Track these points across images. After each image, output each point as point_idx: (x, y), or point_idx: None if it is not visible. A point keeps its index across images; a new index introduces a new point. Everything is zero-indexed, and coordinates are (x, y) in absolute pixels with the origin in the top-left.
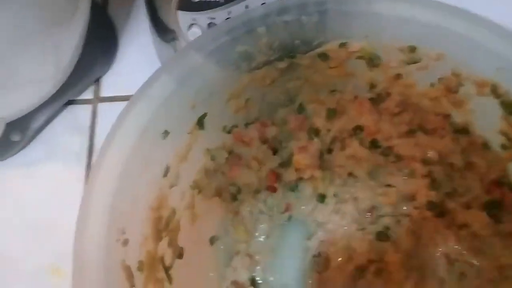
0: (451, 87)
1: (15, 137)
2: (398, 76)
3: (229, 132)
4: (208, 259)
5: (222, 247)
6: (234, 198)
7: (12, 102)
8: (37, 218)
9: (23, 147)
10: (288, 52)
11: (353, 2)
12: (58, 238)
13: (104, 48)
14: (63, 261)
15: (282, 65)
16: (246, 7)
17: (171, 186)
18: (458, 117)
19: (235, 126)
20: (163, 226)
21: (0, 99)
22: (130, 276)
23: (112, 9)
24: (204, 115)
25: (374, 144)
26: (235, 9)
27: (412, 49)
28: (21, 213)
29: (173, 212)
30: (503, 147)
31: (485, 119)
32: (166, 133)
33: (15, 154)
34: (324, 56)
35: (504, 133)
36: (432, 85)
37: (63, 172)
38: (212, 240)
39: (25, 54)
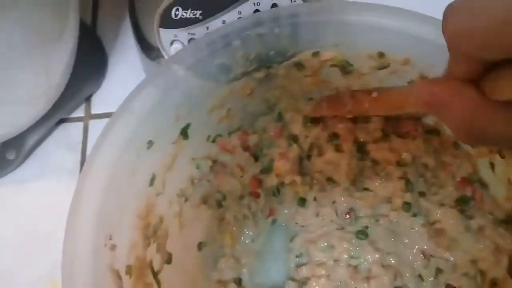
0: None
1: (10, 156)
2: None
3: (213, 141)
4: (196, 264)
5: (209, 251)
6: (219, 205)
7: (6, 121)
8: (33, 232)
9: (18, 165)
10: (265, 63)
11: (323, 12)
12: (54, 251)
13: (94, 67)
14: (59, 274)
15: (259, 75)
16: (223, 22)
17: (158, 195)
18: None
19: (219, 135)
20: (151, 233)
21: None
22: (118, 279)
23: (101, 28)
24: (188, 126)
25: (350, 150)
26: (213, 24)
27: (381, 55)
28: (17, 228)
29: (161, 220)
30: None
31: None
32: (150, 143)
33: (11, 172)
34: (299, 65)
35: None
36: None
37: (57, 188)
38: (200, 246)
39: (17, 74)
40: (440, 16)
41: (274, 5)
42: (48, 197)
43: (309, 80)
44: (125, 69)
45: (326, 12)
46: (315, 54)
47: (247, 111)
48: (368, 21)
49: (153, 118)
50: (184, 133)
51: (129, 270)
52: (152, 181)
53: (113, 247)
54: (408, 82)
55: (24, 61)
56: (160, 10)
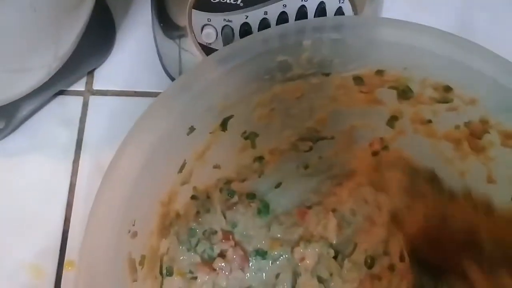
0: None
1: (0, 124)
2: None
3: (246, 138)
4: None
5: None
6: None
7: (2, 88)
8: (17, 212)
9: (6, 135)
10: (324, 70)
11: (396, 34)
12: (39, 235)
13: (101, 40)
14: (44, 260)
15: (315, 80)
16: (265, 13)
17: (183, 184)
18: None
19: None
20: (169, 223)
21: None
22: (133, 270)
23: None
24: (230, 117)
25: None
26: (253, 14)
27: (447, 89)
28: (0, 205)
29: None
30: None
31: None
32: (191, 129)
33: None
34: (358, 79)
35: None
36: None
37: (48, 165)
38: None
39: (28, 40)
40: None
41: (339, 9)
42: (37, 173)
43: (363, 96)
44: (134, 46)
45: (404, 32)
46: (380, 72)
47: (289, 114)
48: (445, 51)
49: (200, 104)
50: (224, 124)
51: (142, 260)
52: (181, 168)
53: (134, 234)
54: (466, 123)
55: (39, 26)
56: None
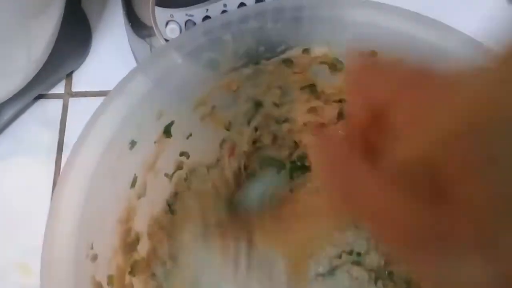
0: None
1: None
2: None
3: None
4: None
5: None
6: None
7: None
8: (3, 213)
9: None
10: (253, 59)
11: (316, 8)
12: (26, 234)
13: (77, 42)
14: (31, 258)
15: (247, 71)
16: (224, 5)
17: (139, 197)
18: None
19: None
20: (133, 240)
21: None
22: None
23: (86, 2)
24: (171, 123)
25: None
26: (213, 7)
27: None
28: None
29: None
30: None
31: None
32: (133, 143)
33: None
34: (288, 62)
35: None
36: None
37: (32, 167)
38: None
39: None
40: (436, 17)
41: None
42: (22, 176)
43: (297, 77)
44: (110, 46)
45: (320, 7)
46: (306, 50)
47: (231, 109)
48: (362, 18)
49: (139, 114)
50: (167, 132)
51: (110, 280)
52: (133, 183)
53: (94, 257)
54: None
55: (6, 32)
56: None
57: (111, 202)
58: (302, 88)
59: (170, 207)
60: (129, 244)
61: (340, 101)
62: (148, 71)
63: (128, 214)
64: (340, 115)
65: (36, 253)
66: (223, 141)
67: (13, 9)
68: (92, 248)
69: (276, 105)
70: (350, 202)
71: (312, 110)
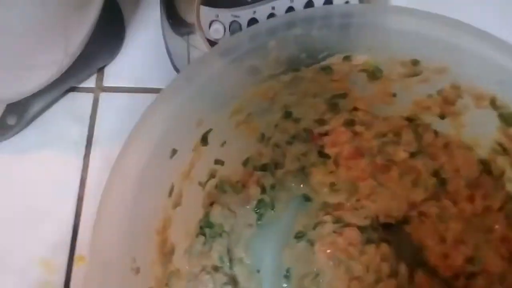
0: (449, 99)
1: (11, 121)
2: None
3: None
4: None
5: None
6: None
7: (14, 84)
8: (28, 207)
9: (17, 132)
10: (294, 65)
11: (363, 15)
12: (50, 230)
13: (111, 37)
14: (55, 254)
15: (286, 78)
16: (273, 8)
17: (175, 207)
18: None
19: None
20: (168, 251)
21: (3, 81)
22: None
23: None
24: (209, 131)
25: None
26: (261, 10)
27: (415, 63)
28: (10, 202)
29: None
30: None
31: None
32: (174, 151)
33: (8, 138)
34: (327, 69)
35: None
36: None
37: (59, 161)
38: None
39: (39, 37)
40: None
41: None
42: (48, 170)
43: (335, 85)
44: (143, 43)
45: (368, 14)
46: (347, 58)
47: (265, 117)
48: (405, 26)
49: (181, 123)
50: (204, 139)
51: None
52: (170, 192)
53: (137, 271)
54: (438, 91)
55: (49, 23)
56: None
57: (151, 212)
58: (332, 98)
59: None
60: (166, 254)
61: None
62: (192, 78)
63: (164, 224)
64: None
65: (59, 249)
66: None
67: (57, 2)
68: (135, 261)
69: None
70: None
71: None
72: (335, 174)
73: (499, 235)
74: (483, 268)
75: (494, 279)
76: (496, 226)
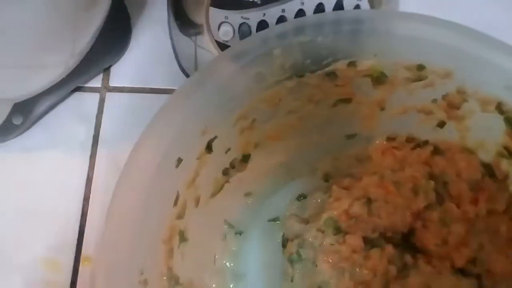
0: (454, 104)
1: (17, 120)
2: None
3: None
4: None
5: None
6: None
7: (21, 83)
8: (34, 207)
9: (23, 131)
10: (298, 72)
11: (373, 21)
12: (55, 230)
13: (117, 37)
14: (61, 254)
15: (290, 84)
16: (283, 10)
17: (179, 217)
18: None
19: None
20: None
21: (11, 80)
22: None
23: None
24: (214, 138)
25: None
26: (271, 12)
27: (421, 68)
28: (15, 201)
29: None
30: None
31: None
32: (179, 160)
33: (14, 138)
34: (332, 75)
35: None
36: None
37: (65, 160)
38: None
39: (47, 37)
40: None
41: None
42: (54, 168)
43: (339, 90)
44: (149, 43)
45: (376, 20)
46: (352, 63)
47: (270, 122)
48: (410, 31)
49: (188, 131)
50: (209, 147)
51: None
52: (176, 201)
53: (145, 283)
54: (443, 96)
55: (57, 24)
56: None
57: (157, 222)
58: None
59: None
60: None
61: None
62: (203, 83)
63: (170, 233)
64: None
65: (65, 249)
66: None
67: (66, 3)
68: (142, 273)
69: None
70: None
71: None
72: None
73: (505, 236)
74: (488, 269)
75: (499, 280)
76: (502, 228)
